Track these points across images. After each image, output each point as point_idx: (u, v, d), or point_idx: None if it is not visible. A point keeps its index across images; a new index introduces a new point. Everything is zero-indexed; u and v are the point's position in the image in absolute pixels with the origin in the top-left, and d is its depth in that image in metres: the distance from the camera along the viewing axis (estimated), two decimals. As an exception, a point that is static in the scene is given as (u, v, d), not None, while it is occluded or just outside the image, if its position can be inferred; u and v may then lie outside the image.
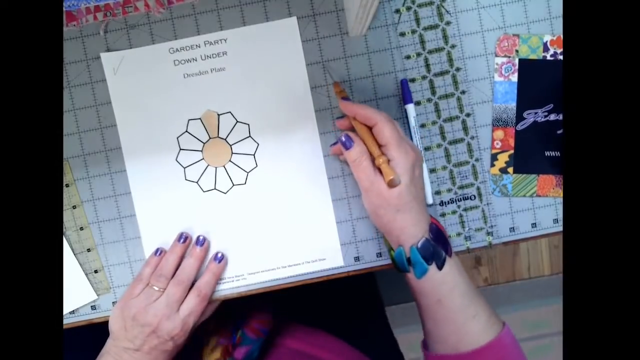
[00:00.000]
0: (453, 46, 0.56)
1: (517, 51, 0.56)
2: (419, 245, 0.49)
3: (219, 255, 0.56)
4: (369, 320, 0.78)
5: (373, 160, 0.49)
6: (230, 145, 0.56)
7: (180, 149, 0.56)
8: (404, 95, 0.56)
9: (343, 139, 0.49)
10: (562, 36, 0.56)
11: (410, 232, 0.49)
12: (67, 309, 0.56)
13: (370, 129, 0.50)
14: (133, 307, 0.52)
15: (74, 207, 0.56)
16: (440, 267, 0.50)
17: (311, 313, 0.70)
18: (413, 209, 0.49)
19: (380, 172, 0.48)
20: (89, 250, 0.57)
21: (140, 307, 0.52)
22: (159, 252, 0.55)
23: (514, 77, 0.56)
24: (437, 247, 0.50)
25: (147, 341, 0.52)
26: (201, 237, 0.55)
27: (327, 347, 0.64)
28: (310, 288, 0.59)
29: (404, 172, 0.48)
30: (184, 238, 0.55)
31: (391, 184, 0.48)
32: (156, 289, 0.53)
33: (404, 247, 0.50)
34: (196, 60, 0.55)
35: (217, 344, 0.60)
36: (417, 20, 0.56)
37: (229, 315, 0.62)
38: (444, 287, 0.50)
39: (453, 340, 0.51)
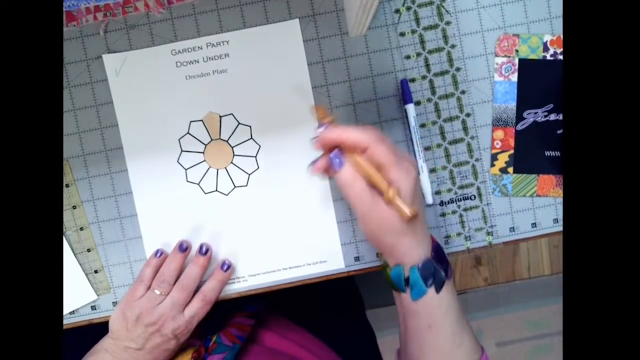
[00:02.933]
0: (453, 46, 0.56)
1: (517, 51, 0.56)
2: (421, 265, 0.46)
3: (227, 262, 0.55)
4: (351, 321, 0.77)
5: (367, 182, 0.44)
6: (232, 147, 0.56)
7: (182, 151, 0.56)
8: (404, 95, 0.56)
9: (332, 156, 0.44)
10: (562, 36, 0.56)
11: (414, 253, 0.46)
12: (67, 309, 0.56)
13: (362, 152, 0.44)
14: (137, 308, 0.52)
15: (74, 207, 0.56)
16: (438, 290, 0.47)
17: (291, 312, 0.69)
18: (417, 230, 0.46)
19: (378, 192, 0.44)
20: (89, 250, 0.57)
21: (145, 308, 0.52)
22: (159, 253, 0.55)
23: (514, 77, 0.56)
24: (438, 267, 0.47)
25: (150, 340, 0.52)
26: (204, 247, 0.55)
27: (307, 346, 0.62)
28: (293, 288, 0.57)
29: (409, 194, 0.43)
30: (184, 247, 0.54)
31: (409, 220, 0.42)
32: (158, 293, 0.53)
33: (404, 267, 0.47)
34: (198, 62, 0.55)
35: (188, 344, 0.56)
36: (417, 20, 0.56)
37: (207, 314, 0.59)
38: (438, 311, 0.47)
39: None
